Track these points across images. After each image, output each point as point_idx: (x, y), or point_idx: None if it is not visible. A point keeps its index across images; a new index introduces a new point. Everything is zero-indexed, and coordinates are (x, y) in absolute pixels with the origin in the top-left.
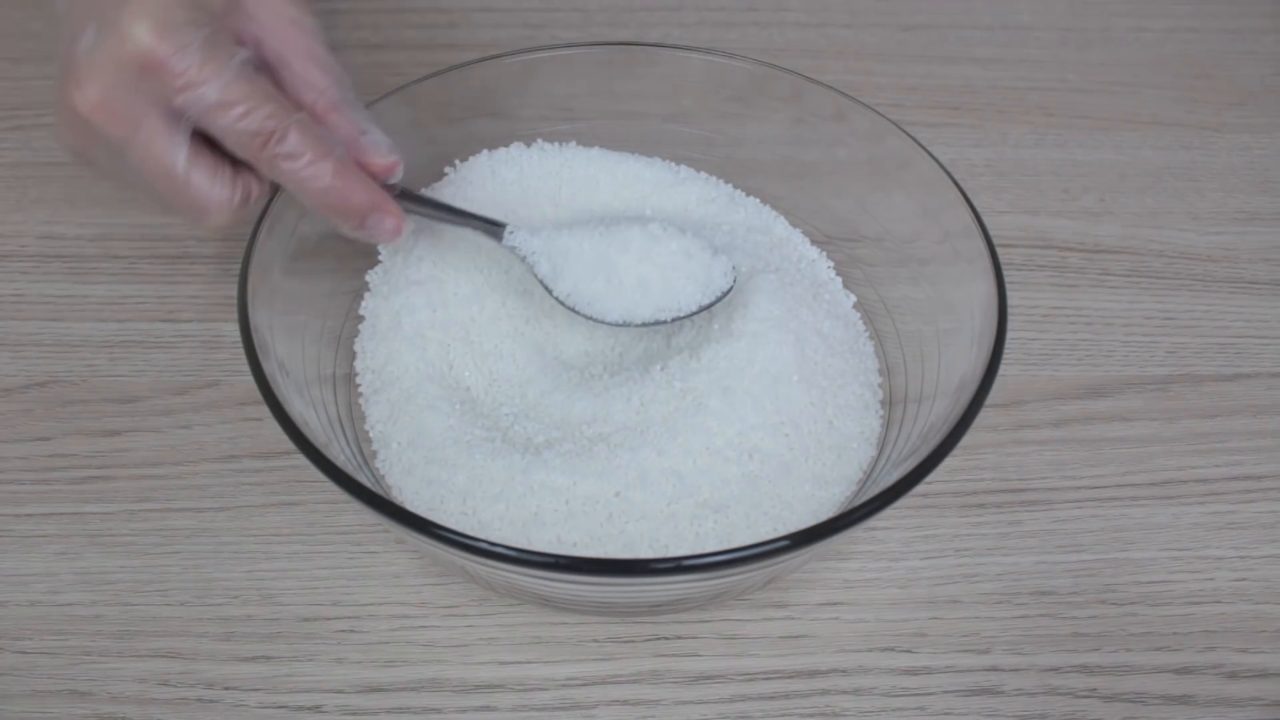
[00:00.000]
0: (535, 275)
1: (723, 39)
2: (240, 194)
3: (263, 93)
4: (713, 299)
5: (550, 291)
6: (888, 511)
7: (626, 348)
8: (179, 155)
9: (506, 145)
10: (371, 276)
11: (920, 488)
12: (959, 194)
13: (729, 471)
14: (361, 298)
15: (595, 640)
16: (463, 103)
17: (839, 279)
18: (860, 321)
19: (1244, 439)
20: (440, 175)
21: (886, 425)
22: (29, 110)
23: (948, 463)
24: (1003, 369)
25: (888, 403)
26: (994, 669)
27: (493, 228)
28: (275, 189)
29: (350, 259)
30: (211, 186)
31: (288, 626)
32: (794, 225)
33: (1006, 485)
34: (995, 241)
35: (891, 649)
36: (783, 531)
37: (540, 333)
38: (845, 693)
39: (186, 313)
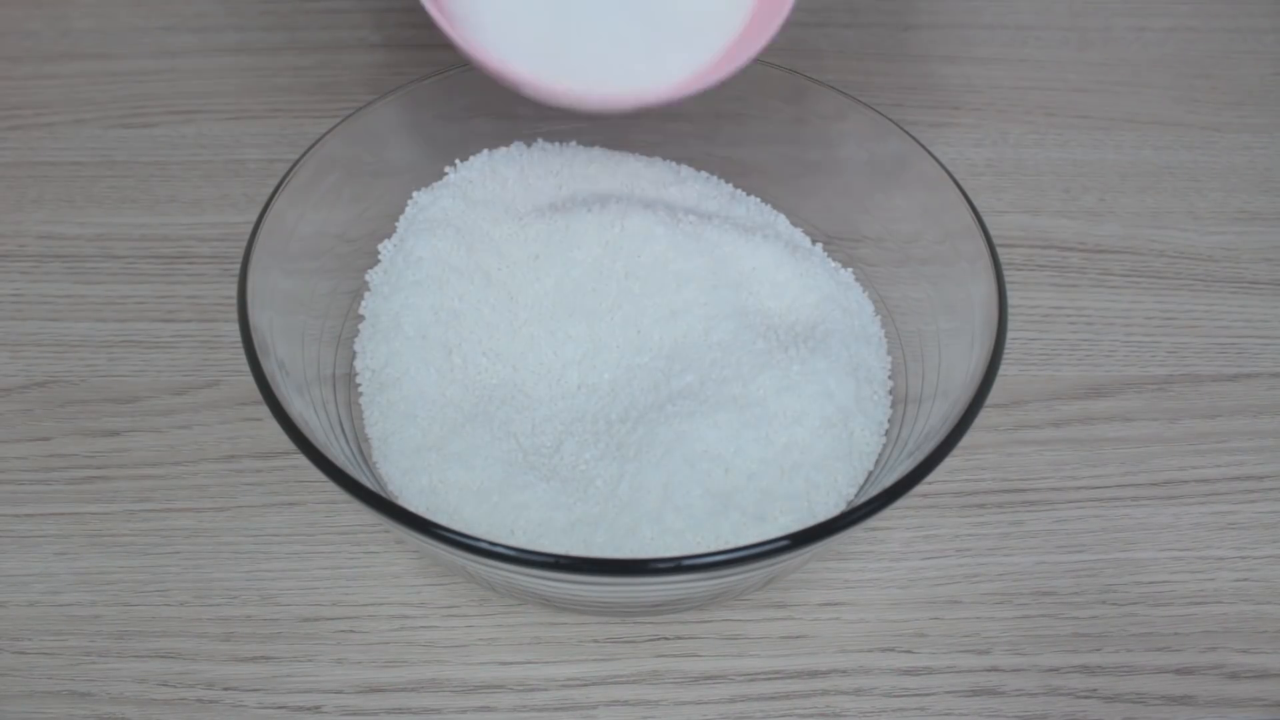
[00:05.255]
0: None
1: None
2: None
3: None
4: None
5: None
6: (888, 511)
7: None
8: None
9: (507, 145)
10: (371, 276)
11: (920, 488)
12: (959, 194)
13: (729, 471)
14: (361, 298)
15: (595, 640)
16: (463, 103)
17: None
18: (869, 319)
19: (1245, 439)
20: (440, 175)
21: (887, 425)
22: (29, 110)
23: (948, 463)
24: (1003, 369)
25: (889, 403)
26: (994, 669)
27: None
28: (275, 190)
29: (350, 259)
30: None
31: (287, 626)
32: (794, 225)
33: (1007, 485)
34: (996, 241)
35: (892, 649)
36: (783, 531)
37: (544, 331)
38: (846, 693)
39: (186, 313)
